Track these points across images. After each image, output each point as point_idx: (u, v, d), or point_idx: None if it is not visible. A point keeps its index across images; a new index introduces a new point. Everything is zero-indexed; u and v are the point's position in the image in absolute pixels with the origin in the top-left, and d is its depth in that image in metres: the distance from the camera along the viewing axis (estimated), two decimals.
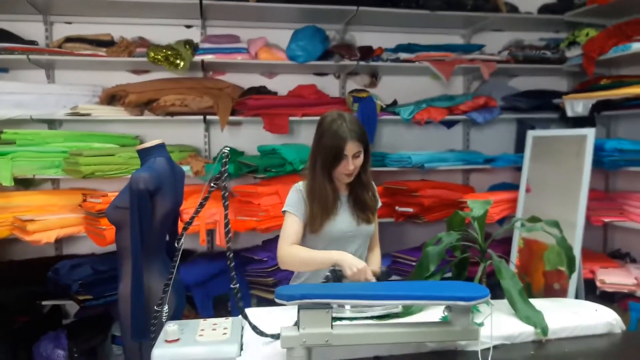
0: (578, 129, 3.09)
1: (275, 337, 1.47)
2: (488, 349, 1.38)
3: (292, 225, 1.92)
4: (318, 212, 1.91)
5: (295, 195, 1.96)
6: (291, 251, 1.88)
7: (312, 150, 1.97)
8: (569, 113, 3.23)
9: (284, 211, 1.96)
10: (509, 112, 3.61)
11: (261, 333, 1.49)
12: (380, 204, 2.10)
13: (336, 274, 1.74)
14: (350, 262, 1.74)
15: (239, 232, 3.13)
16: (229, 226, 1.49)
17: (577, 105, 3.18)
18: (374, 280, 1.75)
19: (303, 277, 2.03)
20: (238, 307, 1.48)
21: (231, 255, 1.48)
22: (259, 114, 3.17)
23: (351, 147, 1.86)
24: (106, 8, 3.16)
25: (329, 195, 1.92)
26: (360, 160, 1.92)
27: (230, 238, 1.50)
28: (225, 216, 1.47)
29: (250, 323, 1.50)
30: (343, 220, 1.97)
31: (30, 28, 3.19)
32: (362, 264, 1.74)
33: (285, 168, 3.06)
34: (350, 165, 1.88)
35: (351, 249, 1.96)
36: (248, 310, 1.71)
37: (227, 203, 1.47)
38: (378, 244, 2.17)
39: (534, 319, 1.55)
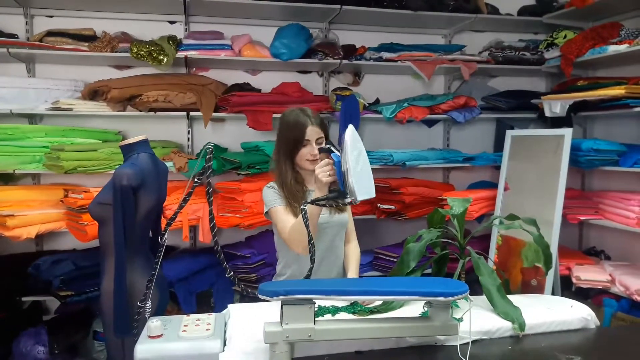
0: (556, 129, 3.16)
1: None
2: (467, 343, 1.42)
3: (282, 214, 1.95)
4: (292, 199, 1.97)
5: (269, 192, 2.01)
6: (290, 229, 1.89)
7: (275, 146, 2.07)
8: (547, 113, 3.30)
9: (267, 212, 2.00)
10: (489, 112, 3.66)
11: (253, 294, 1.51)
12: None
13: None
14: (317, 173, 1.75)
15: (222, 228, 3.13)
16: (214, 221, 1.50)
17: (555, 106, 3.24)
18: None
19: (287, 274, 2.05)
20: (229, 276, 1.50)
21: (219, 248, 1.50)
22: (243, 110, 3.17)
23: (312, 132, 1.96)
24: (88, 2, 3.13)
25: (294, 185, 1.99)
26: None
27: (215, 233, 1.51)
28: (210, 212, 1.49)
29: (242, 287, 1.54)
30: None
31: (10, 21, 3.14)
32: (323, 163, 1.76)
33: (268, 165, 3.07)
34: (315, 149, 1.96)
35: (326, 239, 2.01)
36: (231, 306, 1.73)
37: (211, 199, 1.48)
38: (355, 236, 2.20)
39: (512, 314, 1.59)
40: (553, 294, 2.86)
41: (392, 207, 3.26)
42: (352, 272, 2.09)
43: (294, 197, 1.97)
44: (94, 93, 3.10)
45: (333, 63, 3.33)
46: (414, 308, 1.64)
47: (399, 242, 3.42)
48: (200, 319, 1.58)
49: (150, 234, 2.15)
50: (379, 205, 3.32)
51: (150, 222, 2.08)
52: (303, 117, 1.99)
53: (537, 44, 3.67)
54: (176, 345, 1.45)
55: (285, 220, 1.93)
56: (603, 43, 3.08)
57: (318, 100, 3.35)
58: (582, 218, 3.14)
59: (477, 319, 1.52)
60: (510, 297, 1.67)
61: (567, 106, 3.18)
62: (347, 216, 2.09)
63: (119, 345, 1.99)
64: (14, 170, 2.88)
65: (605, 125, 3.59)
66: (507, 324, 1.57)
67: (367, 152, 3.51)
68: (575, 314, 1.67)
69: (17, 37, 3.10)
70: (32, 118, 3.14)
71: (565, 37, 3.46)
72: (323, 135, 2.00)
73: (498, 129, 3.85)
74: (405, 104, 3.41)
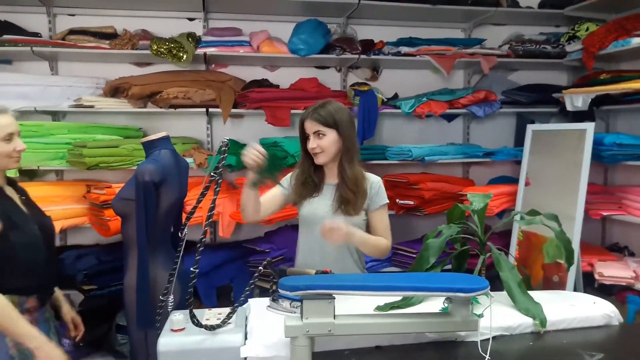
0: (577, 123, 3.11)
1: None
2: (487, 339, 1.41)
3: (270, 191, 2.09)
4: (296, 183, 2.08)
5: (290, 174, 2.15)
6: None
7: None
8: (569, 107, 3.25)
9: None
10: (509, 106, 3.62)
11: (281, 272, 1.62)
12: (385, 201, 2.10)
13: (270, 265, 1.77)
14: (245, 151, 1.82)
15: (242, 223, 3.15)
16: (213, 211, 1.56)
17: (576, 100, 3.19)
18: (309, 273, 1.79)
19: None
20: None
21: (203, 239, 1.56)
22: (261, 106, 3.19)
23: (308, 126, 2.01)
24: (109, 0, 3.17)
25: (302, 174, 2.08)
26: (325, 142, 2.00)
27: (210, 222, 1.57)
28: (213, 201, 1.53)
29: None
30: (321, 203, 2.04)
31: (34, 20, 3.20)
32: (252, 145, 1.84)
33: (287, 160, 3.08)
34: (312, 143, 2.00)
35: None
36: (251, 300, 1.75)
37: (218, 189, 1.52)
38: (387, 237, 2.10)
39: (533, 310, 1.58)
40: (575, 290, 2.83)
41: (411, 202, 3.25)
42: (361, 233, 2.02)
43: (300, 187, 2.06)
44: (115, 90, 3.14)
45: (351, 58, 3.33)
46: (434, 304, 1.64)
47: (418, 238, 3.41)
48: (222, 312, 1.60)
49: (172, 229, 2.18)
50: (397, 200, 3.31)
51: (171, 217, 2.11)
52: (307, 110, 2.05)
53: (559, 37, 3.61)
54: (198, 339, 1.47)
55: (266, 195, 2.08)
56: (627, 35, 3.02)
57: (336, 95, 3.35)
58: (604, 213, 3.09)
59: (497, 315, 1.51)
60: (531, 293, 1.66)
61: (589, 100, 3.13)
62: (357, 220, 2.03)
63: (142, 338, 2.03)
64: (38, 167, 2.94)
65: (629, 119, 3.52)
66: (528, 320, 1.56)
67: (386, 147, 3.53)
68: (598, 311, 1.66)
69: (40, 36, 3.16)
70: (55, 115, 3.20)
71: (587, 29, 3.40)
72: (320, 129, 1.99)
73: (518, 123, 3.81)
74: (424, 99, 3.39)
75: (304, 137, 2.06)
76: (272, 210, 2.10)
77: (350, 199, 2.01)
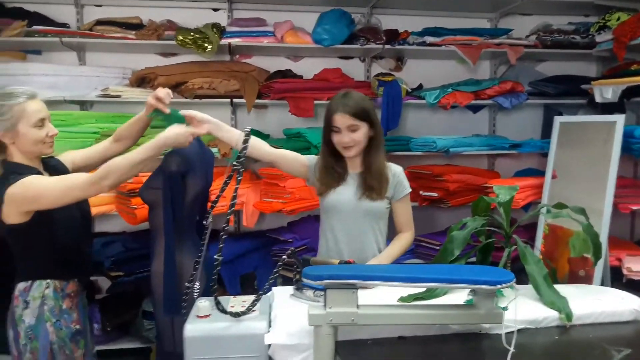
0: (607, 115, 3.05)
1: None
2: (512, 332, 1.40)
3: (294, 153, 2.13)
4: (320, 174, 2.06)
5: (311, 157, 2.14)
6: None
7: None
8: (598, 99, 3.18)
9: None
10: (536, 98, 3.56)
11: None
12: (408, 190, 2.12)
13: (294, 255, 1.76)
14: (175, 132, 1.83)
15: (265, 213, 3.18)
16: (235, 200, 1.57)
17: (606, 91, 3.12)
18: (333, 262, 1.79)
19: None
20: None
21: (228, 219, 1.57)
22: (285, 97, 3.20)
23: (340, 120, 1.95)
24: None
25: (325, 166, 2.05)
26: (359, 135, 1.97)
27: (233, 211, 1.58)
28: (235, 190, 1.53)
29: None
30: (345, 192, 2.04)
31: (62, 11, 3.25)
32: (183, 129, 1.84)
33: (310, 151, 3.08)
34: (344, 137, 1.95)
35: (351, 223, 2.04)
36: (275, 289, 1.77)
37: (240, 178, 1.53)
38: (409, 228, 2.16)
39: (559, 304, 1.56)
40: (602, 285, 2.78)
41: (435, 194, 3.23)
42: (379, 256, 2.06)
43: (323, 177, 2.04)
44: (141, 80, 3.18)
45: (375, 48, 3.31)
46: (457, 296, 1.63)
47: (441, 230, 3.39)
48: (247, 300, 1.63)
49: (198, 217, 2.21)
50: (421, 192, 3.29)
51: (197, 206, 2.14)
52: (336, 102, 1.99)
53: (588, 27, 3.53)
54: (224, 325, 1.49)
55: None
56: None
57: (359, 86, 3.34)
58: (634, 207, 3.02)
59: (522, 308, 1.50)
60: (557, 286, 1.64)
61: (620, 91, 3.05)
62: (378, 205, 2.06)
63: (169, 324, 2.06)
64: None
65: None
66: (554, 314, 1.54)
67: (410, 138, 3.51)
68: (625, 306, 1.63)
69: (69, 27, 3.21)
70: (83, 105, 3.26)
71: (618, 19, 3.31)
72: (356, 123, 1.97)
73: (546, 115, 3.75)
74: (450, 89, 3.36)
75: (329, 130, 2.02)
76: (287, 169, 2.12)
77: (374, 186, 2.02)
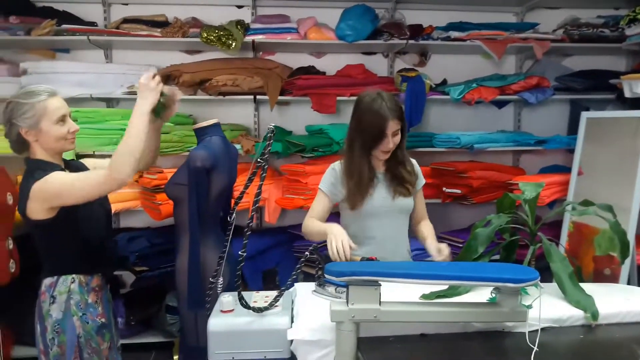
0: (636, 110, 2.98)
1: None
2: (536, 330, 1.39)
3: (318, 203, 2.03)
4: (356, 190, 1.97)
5: (329, 175, 2.04)
6: (306, 223, 2.00)
7: (350, 130, 2.00)
8: (627, 94, 3.11)
9: (319, 188, 2.05)
10: (563, 93, 3.50)
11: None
12: (423, 181, 2.13)
13: (316, 251, 1.75)
14: (336, 233, 1.77)
15: (287, 209, 3.19)
16: (260, 196, 1.56)
17: (636, 86, 3.05)
18: (355, 259, 1.77)
19: None
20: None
21: (252, 215, 1.56)
22: (308, 93, 3.20)
23: (392, 126, 1.90)
24: None
25: (365, 174, 1.97)
26: (398, 137, 1.96)
27: (256, 208, 1.58)
28: (259, 186, 1.54)
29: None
30: (379, 196, 2.01)
31: (90, 10, 3.31)
32: (345, 238, 1.76)
33: (332, 148, 3.09)
34: (390, 143, 1.92)
35: (387, 223, 2.02)
36: (297, 285, 1.78)
37: (264, 175, 1.53)
38: (426, 217, 2.19)
39: (584, 303, 1.53)
40: (629, 284, 2.73)
41: (459, 191, 3.20)
42: (431, 238, 2.06)
43: (359, 187, 1.96)
44: (166, 77, 3.22)
45: (399, 44, 3.29)
46: (480, 294, 1.62)
47: (465, 228, 3.37)
48: (269, 295, 1.64)
49: (222, 213, 2.23)
50: (444, 189, 3.27)
51: (221, 202, 2.16)
52: (384, 109, 1.88)
53: (618, 20, 3.44)
54: (247, 320, 1.51)
55: (315, 208, 2.02)
56: None
57: (383, 82, 3.33)
58: None
59: (547, 306, 1.48)
60: (583, 285, 1.61)
61: None
62: (411, 200, 2.07)
63: (192, 319, 2.10)
64: (93, 152, 3.05)
65: None
66: (579, 313, 1.52)
67: (433, 134, 3.49)
68: None
69: (96, 25, 3.27)
70: (109, 102, 3.32)
71: None
72: (400, 126, 1.93)
73: (572, 110, 3.68)
74: (474, 85, 3.32)
75: (379, 139, 1.91)
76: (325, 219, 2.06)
77: (409, 180, 2.02)
